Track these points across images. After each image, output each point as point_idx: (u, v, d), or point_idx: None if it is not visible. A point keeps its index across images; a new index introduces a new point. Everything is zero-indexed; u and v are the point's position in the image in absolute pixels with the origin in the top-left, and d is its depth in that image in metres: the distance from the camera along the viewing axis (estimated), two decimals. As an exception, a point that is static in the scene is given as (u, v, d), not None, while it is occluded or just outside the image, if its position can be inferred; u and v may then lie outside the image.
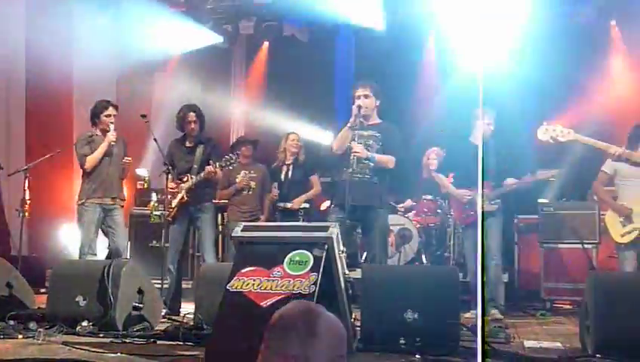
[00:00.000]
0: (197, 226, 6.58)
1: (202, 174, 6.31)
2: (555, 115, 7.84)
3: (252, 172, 7.46)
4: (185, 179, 6.44)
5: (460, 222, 6.64)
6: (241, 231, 4.07)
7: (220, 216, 8.15)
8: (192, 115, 6.54)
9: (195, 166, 6.46)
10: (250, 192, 7.44)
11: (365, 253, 6.31)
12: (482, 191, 5.87)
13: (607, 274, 5.40)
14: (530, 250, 7.70)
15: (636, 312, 3.99)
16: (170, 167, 6.41)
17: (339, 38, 10.83)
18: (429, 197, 8.02)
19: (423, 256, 7.78)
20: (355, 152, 5.35)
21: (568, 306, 7.10)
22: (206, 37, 10.36)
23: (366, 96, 5.70)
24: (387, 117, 6.01)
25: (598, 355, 4.00)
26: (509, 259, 7.54)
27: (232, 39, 10.61)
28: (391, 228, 7.72)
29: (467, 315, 6.25)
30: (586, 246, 6.97)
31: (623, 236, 6.08)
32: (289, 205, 7.38)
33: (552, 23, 8.91)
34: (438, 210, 7.95)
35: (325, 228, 3.92)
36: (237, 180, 7.31)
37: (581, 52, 9.02)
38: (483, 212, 6.06)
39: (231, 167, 6.35)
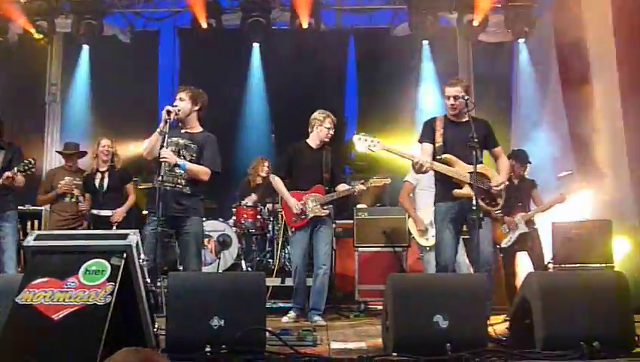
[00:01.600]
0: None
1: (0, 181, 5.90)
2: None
3: (77, 179, 7.15)
4: None
5: (291, 225, 6.63)
6: (34, 239, 3.82)
7: (30, 223, 7.71)
8: None
9: None
10: (72, 199, 7.15)
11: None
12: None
13: (403, 276, 5.73)
14: (346, 253, 7.96)
15: (428, 312, 4.22)
16: None
17: (162, 39, 10.63)
18: (250, 203, 8.03)
19: (243, 262, 7.78)
20: (164, 158, 5.14)
21: (381, 307, 7.40)
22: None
23: (181, 99, 5.51)
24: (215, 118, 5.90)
25: (394, 353, 4.18)
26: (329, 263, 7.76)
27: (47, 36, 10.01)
28: (210, 233, 7.70)
29: (284, 319, 6.34)
30: (396, 249, 7.34)
31: (427, 239, 6.53)
32: (102, 213, 7.11)
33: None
34: (259, 216, 7.98)
35: (124, 236, 3.78)
36: (59, 185, 6.98)
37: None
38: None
39: (29, 172, 5.93)
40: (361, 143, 5.34)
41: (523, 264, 7.19)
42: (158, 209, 5.02)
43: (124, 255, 3.70)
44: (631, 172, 7.92)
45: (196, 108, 5.58)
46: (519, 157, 7.27)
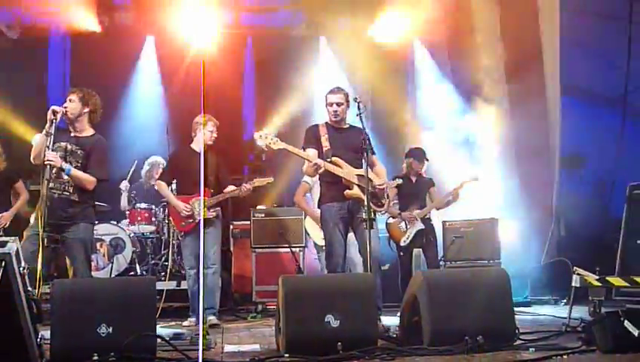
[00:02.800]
0: None
1: None
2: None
3: None
4: None
5: (180, 229, 6.60)
6: None
7: None
8: None
9: None
10: None
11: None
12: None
13: (294, 277, 5.81)
14: (244, 255, 7.95)
15: (319, 312, 4.28)
16: None
17: (52, 40, 10.23)
18: (144, 205, 7.86)
19: (137, 266, 7.60)
20: (49, 160, 4.92)
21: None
22: None
23: (70, 101, 5.30)
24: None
25: (286, 354, 4.21)
26: (226, 265, 7.72)
27: None
28: (103, 237, 7.48)
29: (185, 323, 6.29)
30: (293, 249, 7.39)
31: (323, 238, 6.60)
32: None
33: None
34: (153, 218, 7.83)
35: (3, 244, 3.62)
36: None
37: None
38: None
39: None
40: (262, 140, 5.37)
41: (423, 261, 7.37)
42: (45, 215, 4.79)
43: (3, 263, 3.53)
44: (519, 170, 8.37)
45: (87, 110, 5.35)
46: (416, 155, 7.42)
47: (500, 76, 8.80)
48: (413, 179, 7.38)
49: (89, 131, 5.42)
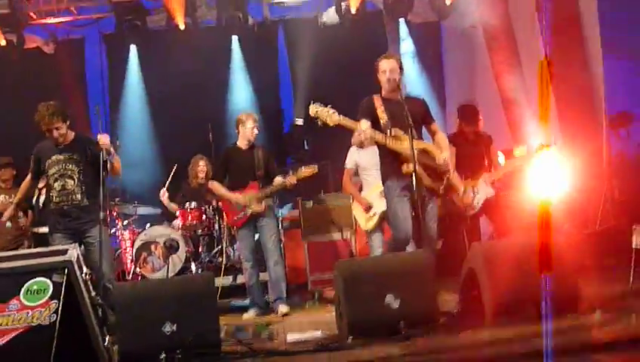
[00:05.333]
0: None
1: None
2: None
3: (14, 196, 6.88)
4: None
5: (232, 225, 6.68)
6: (-32, 265, 3.71)
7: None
8: None
9: None
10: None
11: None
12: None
13: (350, 261, 5.75)
14: (295, 245, 7.95)
15: (379, 293, 4.26)
16: None
17: (88, 47, 10.41)
18: (194, 204, 7.94)
19: (193, 265, 7.70)
20: (104, 143, 5.21)
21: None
22: None
23: (58, 129, 5.44)
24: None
25: (350, 338, 4.21)
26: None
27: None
28: (157, 239, 7.60)
29: (245, 316, 6.35)
30: (344, 235, 7.36)
31: (367, 222, 6.56)
32: (42, 230, 6.92)
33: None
34: (204, 216, 7.92)
35: (64, 252, 3.70)
36: None
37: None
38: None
39: None
40: (317, 114, 5.08)
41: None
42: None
43: (66, 271, 3.61)
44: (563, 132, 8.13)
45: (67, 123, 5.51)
46: (466, 113, 6.90)
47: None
48: (471, 137, 6.83)
49: (71, 135, 5.56)
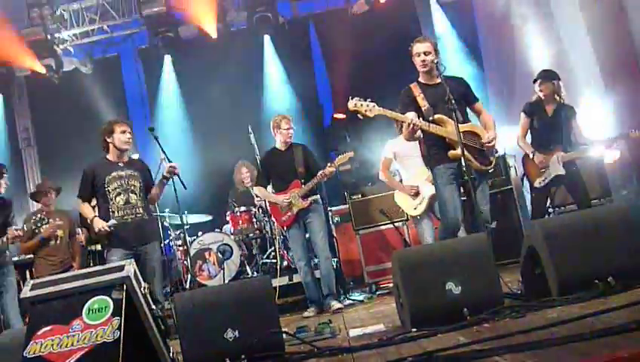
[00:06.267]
0: (1, 291, 6.02)
1: (4, 239, 5.89)
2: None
3: (58, 219, 7.02)
4: None
5: (281, 226, 6.71)
6: (30, 289, 3.75)
7: (28, 272, 7.57)
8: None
9: None
10: (58, 241, 7.02)
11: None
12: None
13: (407, 250, 5.64)
14: (347, 238, 7.91)
15: (439, 280, 4.17)
16: None
17: (125, 63, 10.56)
18: (243, 208, 7.97)
19: (248, 268, 7.72)
20: (172, 167, 5.62)
21: (392, 285, 7.36)
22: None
23: (127, 132, 5.67)
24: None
25: (414, 329, 4.12)
26: (332, 251, 7.73)
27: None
28: (210, 246, 7.66)
29: (305, 314, 6.35)
30: (396, 224, 7.29)
31: (415, 209, 6.46)
32: (99, 247, 7.05)
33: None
34: (254, 220, 7.93)
35: (121, 268, 3.71)
36: (42, 230, 6.84)
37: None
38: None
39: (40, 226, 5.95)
40: (356, 108, 5.04)
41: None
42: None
43: (124, 287, 3.63)
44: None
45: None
46: (546, 78, 6.47)
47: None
48: (550, 108, 6.50)
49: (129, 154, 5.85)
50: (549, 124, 6.50)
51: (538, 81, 6.49)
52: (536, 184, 6.58)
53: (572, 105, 6.61)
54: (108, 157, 5.62)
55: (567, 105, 6.54)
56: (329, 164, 6.52)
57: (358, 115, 5.08)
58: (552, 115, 6.50)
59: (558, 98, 6.49)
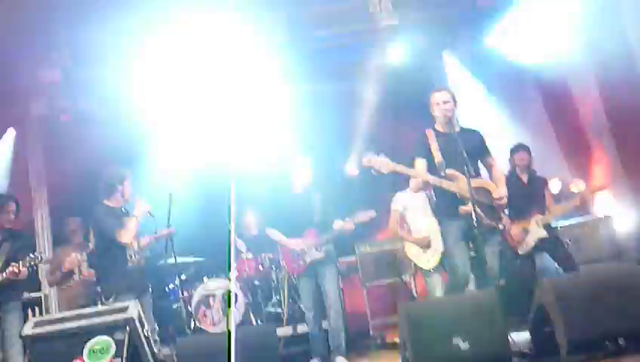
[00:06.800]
0: (2, 329, 5.78)
1: (4, 274, 5.68)
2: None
3: (85, 254, 6.97)
4: None
5: (293, 273, 6.56)
6: (32, 327, 3.71)
7: (31, 311, 7.52)
8: (12, 206, 6.04)
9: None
10: (80, 276, 6.92)
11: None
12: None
13: (414, 303, 5.61)
14: (354, 290, 7.84)
15: (445, 335, 4.12)
16: None
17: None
18: (250, 255, 7.91)
19: (252, 316, 7.62)
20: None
21: (397, 339, 7.27)
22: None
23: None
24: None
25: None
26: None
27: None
28: (215, 292, 7.56)
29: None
30: (404, 278, 7.22)
31: (428, 261, 6.41)
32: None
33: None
34: (260, 267, 7.87)
35: (124, 309, 3.68)
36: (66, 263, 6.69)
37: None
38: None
39: (34, 267, 5.85)
40: (370, 164, 5.09)
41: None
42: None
43: (127, 328, 3.59)
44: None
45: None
46: (515, 149, 6.86)
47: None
48: (524, 178, 6.79)
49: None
50: (526, 193, 6.69)
51: (514, 152, 6.84)
52: (520, 251, 6.62)
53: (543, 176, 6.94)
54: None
55: (539, 176, 6.89)
56: (347, 220, 6.31)
57: (372, 171, 5.12)
58: (527, 184, 6.77)
59: (530, 168, 6.82)
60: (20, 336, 4.30)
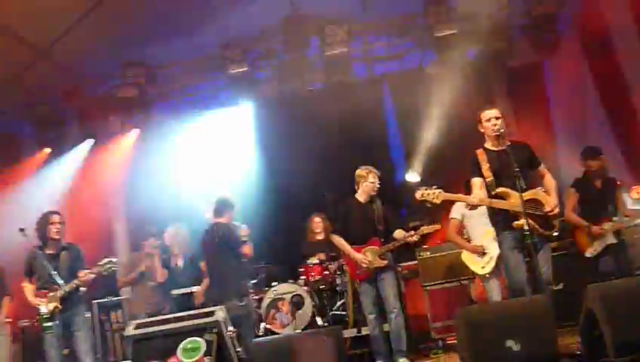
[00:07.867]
0: (72, 330, 6.12)
1: (76, 282, 6.05)
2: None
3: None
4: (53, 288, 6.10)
5: (355, 279, 6.90)
6: (134, 329, 4.25)
7: (114, 314, 8.06)
8: (56, 218, 6.40)
9: (63, 273, 6.13)
10: (153, 283, 7.49)
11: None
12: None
13: (470, 308, 5.87)
14: (415, 294, 8.17)
15: (500, 338, 4.45)
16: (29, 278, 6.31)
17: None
18: (315, 261, 8.32)
19: (318, 319, 8.02)
20: None
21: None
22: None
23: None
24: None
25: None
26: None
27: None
28: (283, 296, 8.00)
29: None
30: (462, 282, 7.53)
31: (483, 268, 6.68)
32: (183, 291, 7.54)
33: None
34: (325, 272, 8.25)
35: (212, 313, 4.17)
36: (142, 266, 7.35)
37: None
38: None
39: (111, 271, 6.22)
40: (423, 197, 5.40)
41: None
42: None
43: (215, 330, 4.07)
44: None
45: None
46: (589, 154, 6.91)
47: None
48: (598, 183, 6.91)
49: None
50: (599, 198, 6.84)
51: (587, 157, 6.92)
52: (588, 254, 6.81)
53: (615, 178, 7.00)
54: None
55: (612, 178, 6.97)
56: (413, 233, 6.63)
57: (427, 204, 5.42)
58: (601, 188, 6.88)
59: (604, 172, 6.90)
60: (122, 336, 4.86)
